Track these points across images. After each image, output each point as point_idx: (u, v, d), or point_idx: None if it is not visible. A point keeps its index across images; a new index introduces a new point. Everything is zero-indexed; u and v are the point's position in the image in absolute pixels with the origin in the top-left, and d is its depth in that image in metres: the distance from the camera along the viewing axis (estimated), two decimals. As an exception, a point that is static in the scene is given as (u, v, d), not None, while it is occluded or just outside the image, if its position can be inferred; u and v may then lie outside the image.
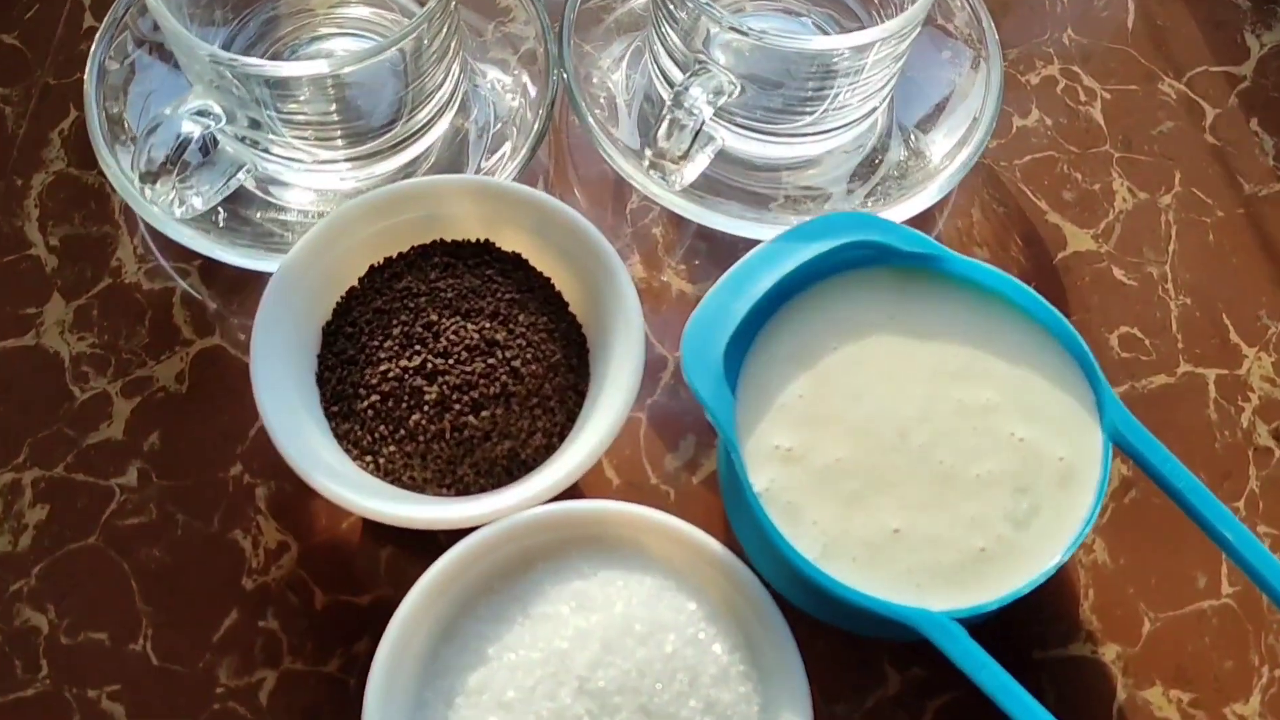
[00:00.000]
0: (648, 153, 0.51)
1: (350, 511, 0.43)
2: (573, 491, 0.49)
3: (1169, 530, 0.51)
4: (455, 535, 0.43)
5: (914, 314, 0.46)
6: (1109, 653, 0.48)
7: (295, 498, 0.48)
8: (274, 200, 0.54)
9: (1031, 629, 0.48)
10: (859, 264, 0.46)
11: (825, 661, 0.47)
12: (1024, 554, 0.42)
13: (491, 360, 0.46)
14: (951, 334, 0.45)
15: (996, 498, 0.43)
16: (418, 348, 0.46)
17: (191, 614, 0.47)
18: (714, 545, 0.43)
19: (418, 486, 0.45)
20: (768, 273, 0.45)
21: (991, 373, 0.45)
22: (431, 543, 0.47)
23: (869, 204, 0.54)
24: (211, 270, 0.53)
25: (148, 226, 0.53)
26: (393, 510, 0.42)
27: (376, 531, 0.48)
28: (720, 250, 0.55)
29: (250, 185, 0.53)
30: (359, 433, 0.46)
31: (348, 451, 0.46)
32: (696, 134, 0.50)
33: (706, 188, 0.54)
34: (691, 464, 0.51)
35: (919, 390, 0.44)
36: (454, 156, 0.55)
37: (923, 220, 0.56)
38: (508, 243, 0.49)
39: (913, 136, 0.57)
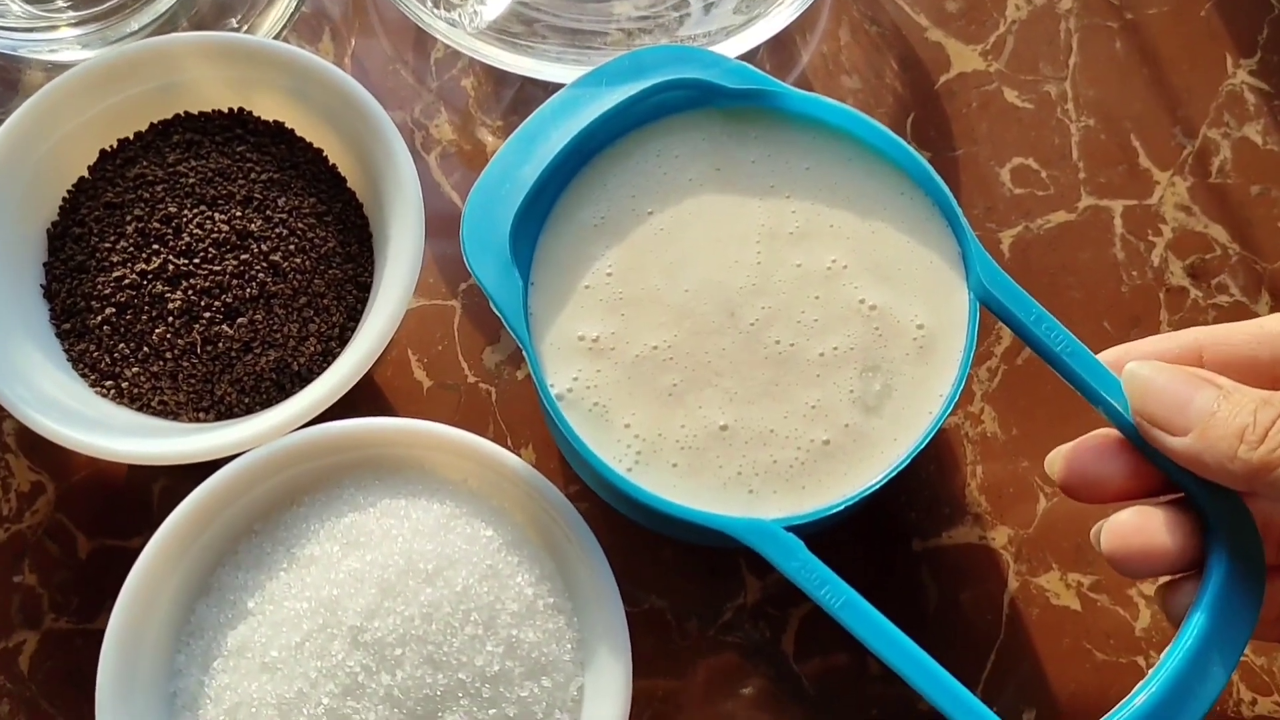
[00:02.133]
0: (432, -11, 0.42)
1: (100, 458, 0.36)
2: (375, 401, 0.42)
3: (1068, 393, 0.44)
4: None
5: (744, 165, 0.38)
6: (999, 537, 0.42)
7: (49, 430, 0.42)
8: (11, 79, 0.45)
9: (908, 516, 0.42)
10: (676, 108, 0.39)
11: (674, 573, 0.41)
12: (875, 443, 0.36)
13: (245, 256, 0.38)
14: (790, 184, 0.38)
15: (842, 380, 0.36)
16: (156, 247, 0.38)
17: (-65, 574, 0.40)
18: (513, 461, 0.36)
19: (170, 412, 0.38)
20: (563, 127, 0.37)
21: (838, 229, 0.38)
22: (212, 470, 0.41)
23: (715, 34, 0.46)
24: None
25: None
26: (126, 448, 0.36)
27: (145, 465, 0.42)
28: (540, 98, 0.47)
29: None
30: (95, 353, 0.39)
31: (84, 376, 0.39)
32: (488, -41, 0.41)
33: (519, 25, 0.45)
34: (515, 356, 0.44)
35: (751, 256, 0.37)
36: (220, 7, 0.47)
37: (783, 49, 0.48)
38: (266, 109, 0.41)
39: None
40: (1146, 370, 0.33)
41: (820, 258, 0.37)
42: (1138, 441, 0.34)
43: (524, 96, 0.48)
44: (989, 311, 0.37)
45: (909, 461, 0.35)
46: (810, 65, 0.49)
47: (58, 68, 0.45)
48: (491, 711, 0.33)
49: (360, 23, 0.49)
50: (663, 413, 0.36)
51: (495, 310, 0.36)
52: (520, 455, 0.43)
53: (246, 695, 0.33)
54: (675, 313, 0.37)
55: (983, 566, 0.42)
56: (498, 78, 0.48)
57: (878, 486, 0.35)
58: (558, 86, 0.45)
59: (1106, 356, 0.35)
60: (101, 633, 0.40)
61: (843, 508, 0.35)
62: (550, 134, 0.37)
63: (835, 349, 0.36)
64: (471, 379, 0.44)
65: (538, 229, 0.38)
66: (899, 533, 0.42)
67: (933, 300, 0.37)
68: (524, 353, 0.36)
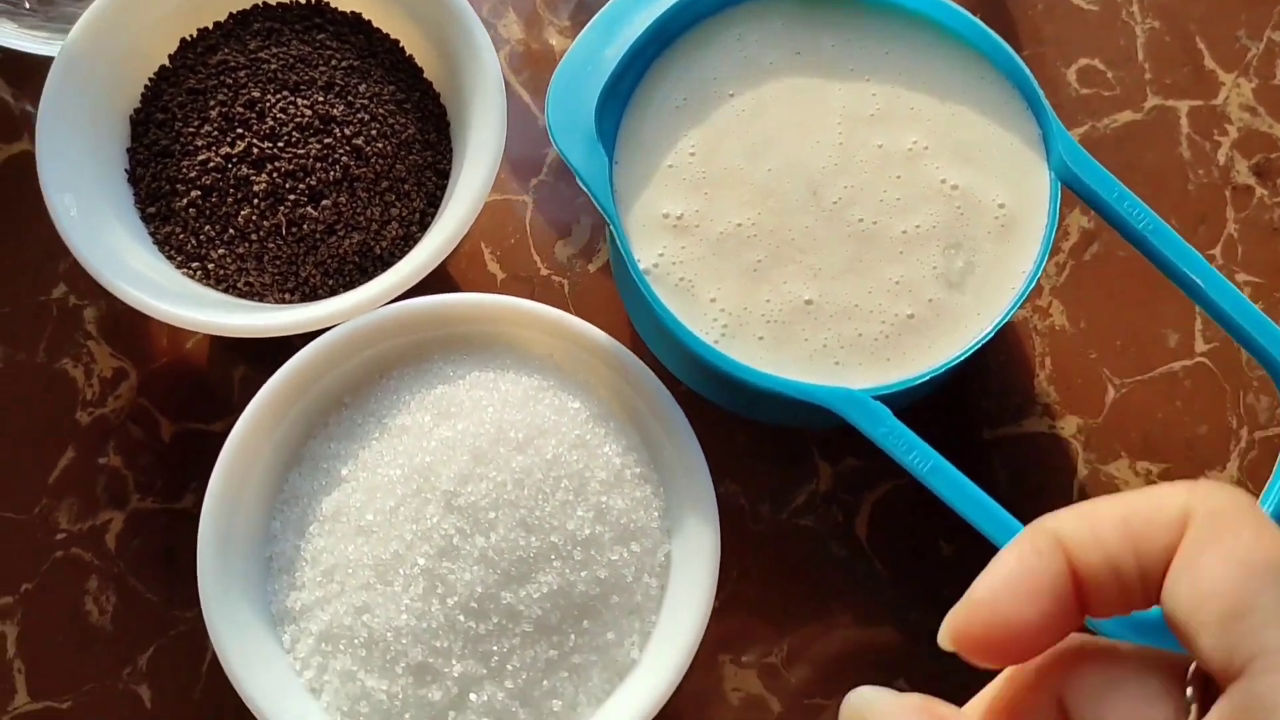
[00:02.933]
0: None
1: (189, 329, 0.36)
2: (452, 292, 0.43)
3: (1136, 286, 0.44)
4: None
5: (824, 47, 0.38)
6: (1068, 426, 0.43)
7: (130, 318, 0.42)
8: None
9: (980, 405, 0.43)
10: (757, -8, 0.39)
11: (747, 457, 0.42)
12: (958, 318, 0.36)
13: (328, 140, 0.39)
14: (869, 68, 0.38)
15: (926, 257, 0.36)
16: (240, 131, 0.39)
17: (22, 455, 0.41)
18: (599, 336, 0.37)
19: (255, 293, 0.39)
20: (645, 9, 0.38)
21: (918, 111, 0.38)
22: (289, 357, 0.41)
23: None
24: (14, 62, 0.45)
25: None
26: (217, 320, 0.36)
27: (226, 349, 0.42)
28: (612, 1, 0.47)
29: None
30: (181, 236, 0.39)
31: (170, 258, 0.39)
32: None
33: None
34: (587, 249, 0.44)
35: (832, 138, 0.37)
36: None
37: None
38: (343, 1, 0.41)
39: None
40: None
41: (901, 139, 0.38)
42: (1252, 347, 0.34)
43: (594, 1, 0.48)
44: (1070, 191, 0.37)
45: (993, 335, 0.36)
46: (875, -33, 0.48)
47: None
48: (583, 574, 0.34)
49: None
50: (748, 288, 0.36)
51: (581, 186, 0.36)
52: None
53: (343, 557, 0.34)
54: (758, 191, 0.37)
55: (1052, 455, 0.43)
56: (564, -21, 0.48)
57: (963, 358, 0.35)
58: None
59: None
60: (186, 512, 0.40)
61: (928, 379, 0.35)
62: (632, 17, 0.38)
63: (918, 227, 0.37)
64: (544, 272, 0.44)
65: (621, 110, 0.38)
66: (970, 421, 0.42)
67: (1013, 180, 0.37)
68: (610, 229, 0.36)
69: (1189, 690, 0.20)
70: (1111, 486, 0.42)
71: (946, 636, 0.21)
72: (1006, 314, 0.36)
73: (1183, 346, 0.44)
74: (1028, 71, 0.38)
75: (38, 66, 0.44)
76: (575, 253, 0.44)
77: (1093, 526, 0.21)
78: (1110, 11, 0.48)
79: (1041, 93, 0.37)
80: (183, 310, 0.36)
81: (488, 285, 0.44)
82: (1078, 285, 0.45)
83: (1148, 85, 0.47)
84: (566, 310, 0.43)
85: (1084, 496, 0.42)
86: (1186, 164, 0.46)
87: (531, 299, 0.44)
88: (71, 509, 0.40)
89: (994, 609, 0.21)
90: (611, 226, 0.36)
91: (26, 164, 0.44)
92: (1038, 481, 0.42)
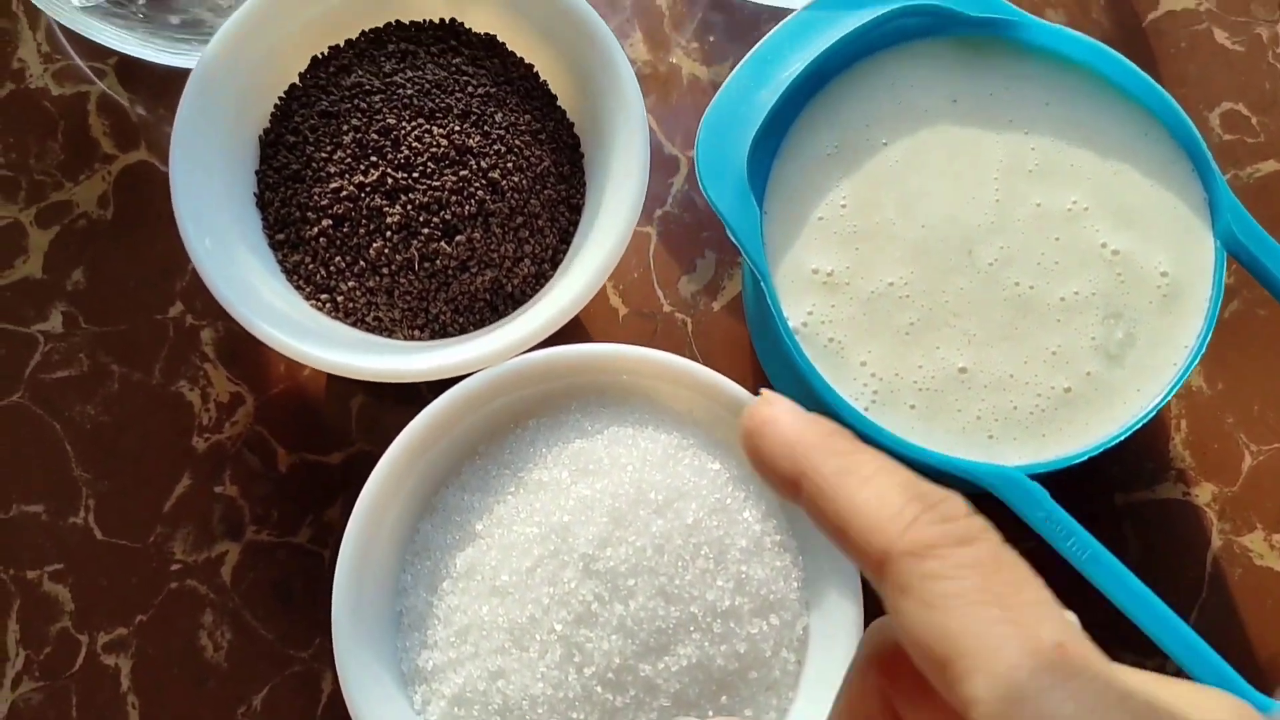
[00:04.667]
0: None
1: (327, 371, 0.36)
2: (572, 327, 0.41)
3: (1276, 348, 0.43)
4: (438, 380, 0.35)
5: (982, 95, 0.37)
6: (1203, 494, 0.41)
7: (248, 341, 0.41)
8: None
9: (1111, 470, 0.41)
10: (913, 35, 0.37)
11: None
12: (1116, 394, 0.35)
13: (464, 172, 0.37)
14: (1029, 120, 0.37)
15: (1084, 326, 0.35)
16: (374, 159, 0.38)
17: (137, 480, 0.40)
18: (739, 393, 0.35)
19: (385, 328, 0.38)
20: (799, 51, 0.36)
21: (1078, 169, 0.36)
22: (411, 389, 0.40)
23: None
24: (132, 67, 0.44)
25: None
26: (355, 363, 0.35)
27: (343, 378, 0.41)
28: (740, 23, 0.46)
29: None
30: (311, 265, 0.38)
31: (299, 289, 0.38)
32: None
33: (723, -54, 0.44)
34: (711, 286, 0.43)
35: (989, 193, 0.36)
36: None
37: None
38: (478, 22, 0.40)
39: None
40: None
41: (1060, 198, 0.36)
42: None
43: (709, 18, 0.46)
44: (1235, 261, 0.36)
45: (1153, 415, 0.34)
46: (1015, -3, 0.47)
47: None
48: (722, 647, 0.33)
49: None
50: (900, 351, 0.35)
51: (732, 239, 0.35)
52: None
53: (477, 617, 0.33)
54: (911, 249, 0.36)
55: (1185, 523, 0.41)
56: (692, -3, 0.46)
57: (1122, 438, 0.34)
58: (755, 6, 0.44)
59: None
60: (301, 547, 0.40)
61: (1085, 458, 0.34)
62: (786, 57, 0.36)
63: (1076, 293, 0.35)
64: (667, 308, 0.43)
65: (771, 156, 0.36)
66: (1102, 486, 0.41)
67: (1177, 247, 0.36)
68: (761, 284, 0.35)
69: None
70: (1245, 559, 0.41)
71: None
72: (1168, 392, 0.34)
73: (1325, 412, 0.42)
74: (1196, 132, 0.36)
75: (151, 70, 0.43)
76: (699, 289, 0.43)
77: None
78: (1256, 51, 0.46)
79: (1210, 155, 0.36)
80: (324, 352, 0.35)
81: (609, 320, 0.43)
82: (1216, 345, 0.43)
83: (1295, 133, 0.45)
84: (689, 350, 0.42)
85: (1217, 569, 0.41)
86: (1333, 218, 0.44)
87: (654, 336, 0.43)
88: (187, 539, 0.40)
89: None
90: (762, 282, 0.35)
91: (145, 174, 0.43)
92: (1170, 551, 0.41)
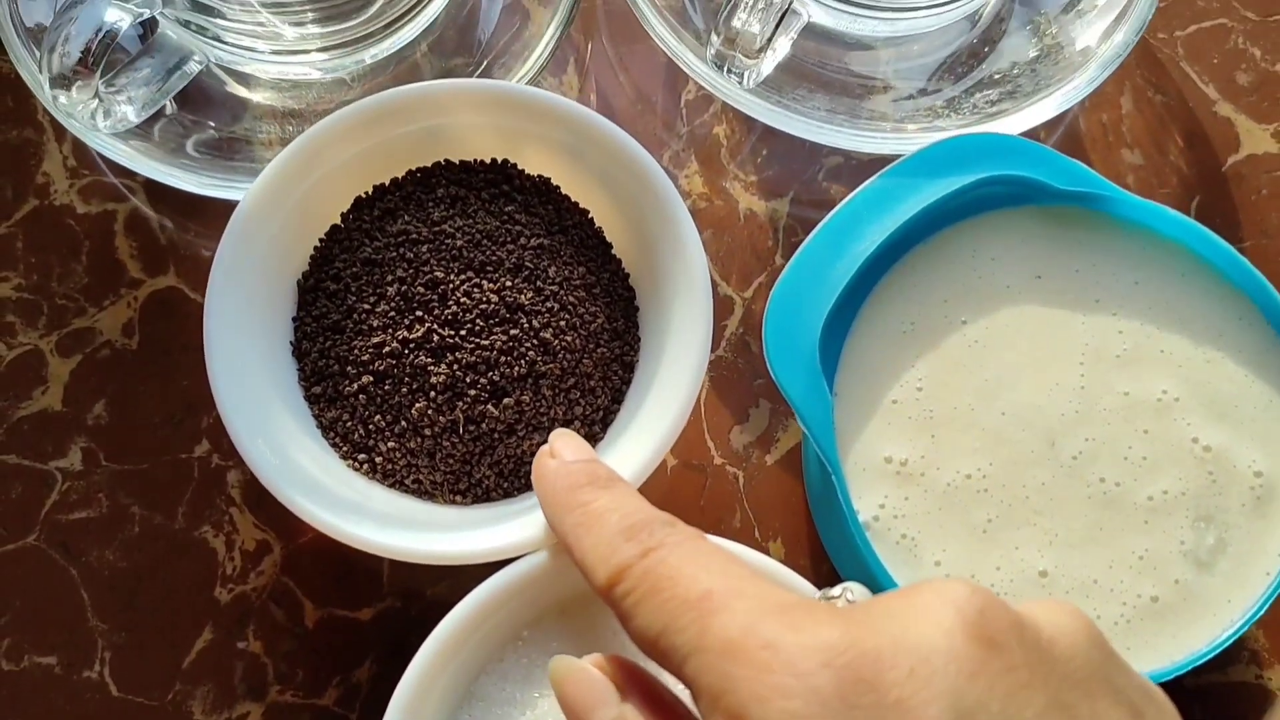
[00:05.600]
0: (715, 40, 0.38)
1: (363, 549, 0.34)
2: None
3: (1357, 522, 0.41)
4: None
5: (1067, 274, 0.35)
6: (1277, 677, 0.39)
7: (276, 486, 0.39)
8: (239, 98, 0.42)
9: (1183, 650, 0.39)
10: (995, 204, 0.35)
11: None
12: (1207, 604, 0.33)
13: (515, 331, 0.35)
14: (1117, 300, 0.35)
15: (1173, 529, 0.33)
16: (420, 314, 0.36)
17: (156, 633, 0.38)
18: (797, 582, 0.33)
19: (425, 492, 0.36)
20: (876, 222, 0.34)
21: (1169, 355, 0.34)
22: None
23: (999, 99, 0.42)
24: (163, 186, 0.42)
25: (80, 130, 0.42)
26: (392, 543, 0.33)
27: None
28: (799, 153, 0.44)
29: (213, 79, 0.42)
30: (349, 423, 0.36)
31: (335, 447, 0.36)
32: (783, 14, 0.38)
33: (787, 75, 0.42)
34: (765, 438, 0.41)
35: (1073, 380, 0.34)
36: (461, 35, 0.43)
37: (1060, 115, 0.44)
38: (532, 163, 0.38)
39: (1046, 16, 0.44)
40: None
41: (1150, 387, 0.34)
42: None
43: (760, 145, 0.44)
44: (1332, 461, 0.34)
45: (1247, 628, 0.32)
46: (1088, 134, 0.45)
47: (292, 86, 0.42)
48: None
49: (597, 53, 0.45)
50: (976, 551, 0.33)
51: (802, 426, 0.33)
52: (768, 549, 0.40)
53: (519, 826, 0.31)
54: (990, 438, 0.34)
55: (1259, 707, 0.39)
56: (748, 126, 0.44)
57: (1211, 655, 0.32)
58: (814, 143, 0.42)
59: None
60: (327, 710, 0.38)
61: (1172, 676, 0.32)
62: (863, 228, 0.34)
63: (1165, 493, 0.33)
64: (718, 461, 0.41)
65: (843, 333, 0.34)
66: (1173, 667, 0.39)
67: (1273, 444, 0.34)
68: (832, 477, 0.33)
69: None
70: (1323, 750, 0.39)
71: None
72: (1263, 604, 0.32)
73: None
74: (1293, 319, 0.34)
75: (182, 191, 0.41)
76: (752, 441, 0.41)
77: None
78: (1340, 201, 0.44)
79: (1309, 347, 0.34)
80: (359, 529, 0.33)
81: (658, 472, 0.40)
82: (1294, 516, 0.41)
83: (1378, 289, 0.43)
84: (740, 506, 0.40)
85: (1293, 761, 0.39)
86: None
87: (703, 491, 0.41)
88: (207, 697, 0.38)
89: None
90: (833, 473, 0.33)
91: (173, 300, 0.41)
92: (1242, 739, 0.39)
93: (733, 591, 0.22)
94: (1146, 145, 0.45)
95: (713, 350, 0.42)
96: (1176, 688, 0.39)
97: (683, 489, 0.40)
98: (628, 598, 0.24)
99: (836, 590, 0.26)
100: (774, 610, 0.22)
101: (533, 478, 0.29)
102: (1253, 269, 0.34)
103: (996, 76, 0.43)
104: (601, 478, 0.27)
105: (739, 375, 0.41)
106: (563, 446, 0.30)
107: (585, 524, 0.26)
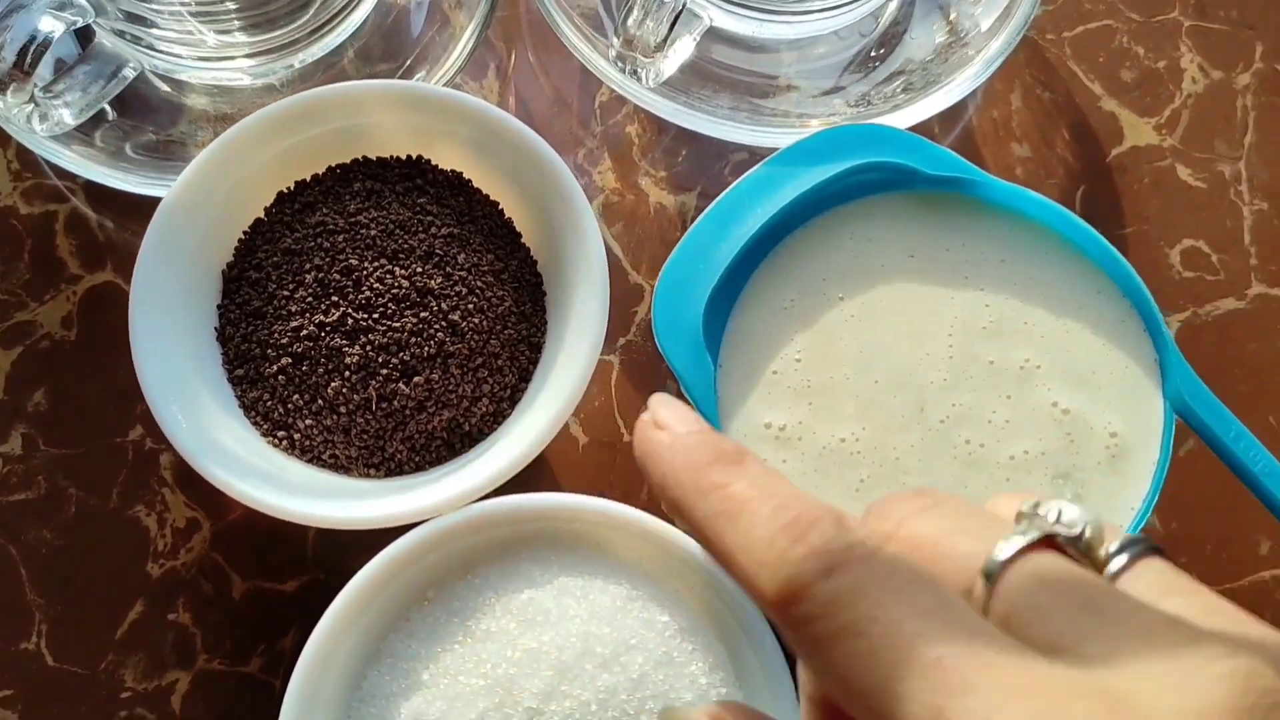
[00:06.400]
0: (615, 41, 0.41)
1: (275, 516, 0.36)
2: (533, 461, 0.42)
3: (1227, 491, 0.43)
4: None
5: (939, 253, 0.37)
6: (1155, 636, 0.42)
7: (206, 467, 0.41)
8: (175, 103, 0.45)
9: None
10: (871, 190, 0.38)
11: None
12: (1065, 556, 0.35)
13: (425, 314, 0.38)
14: (985, 277, 0.37)
15: (1033, 485, 0.35)
16: (335, 299, 0.38)
17: (90, 606, 0.40)
18: (691, 546, 0.36)
19: (341, 466, 0.38)
20: (759, 206, 0.37)
21: (1032, 326, 0.37)
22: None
23: (893, 94, 0.45)
24: (103, 188, 0.44)
25: (23, 135, 0.44)
26: (305, 510, 0.35)
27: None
28: (707, 151, 0.46)
29: (150, 85, 0.44)
30: (269, 403, 0.38)
31: (257, 425, 0.38)
32: (678, 16, 0.40)
33: (691, 76, 0.45)
34: (672, 417, 0.43)
35: (942, 350, 0.36)
36: (387, 41, 0.46)
37: (951, 112, 0.47)
38: (445, 159, 0.41)
39: (947, 7, 0.47)
40: None
41: (1013, 356, 0.36)
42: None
43: (675, 145, 0.47)
44: (1184, 422, 0.36)
45: (1100, 577, 0.34)
46: (979, 129, 0.47)
47: (223, 92, 0.45)
48: (666, 805, 0.33)
49: (519, 58, 0.48)
50: (849, 508, 0.35)
51: (685, 395, 0.35)
52: (674, 521, 0.42)
53: (421, 771, 0.33)
54: (864, 405, 0.36)
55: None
56: (660, 125, 0.47)
57: (1067, 602, 0.34)
58: (721, 140, 0.44)
59: None
60: (253, 677, 0.40)
61: (1031, 621, 0.34)
62: (746, 212, 0.37)
63: (1026, 453, 0.36)
64: (627, 438, 0.43)
65: (728, 310, 0.37)
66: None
67: (1127, 407, 0.36)
68: (713, 440, 0.35)
69: None
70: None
71: None
72: (1115, 555, 0.35)
73: (1275, 554, 0.43)
74: (1148, 293, 0.36)
75: (120, 190, 0.43)
76: (660, 419, 0.43)
77: None
78: (1218, 190, 0.47)
79: (1161, 317, 0.36)
80: (275, 498, 0.35)
81: (570, 449, 0.43)
82: (1169, 484, 0.43)
83: (1253, 272, 0.46)
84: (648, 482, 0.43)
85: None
86: (1290, 359, 0.45)
87: (614, 466, 0.43)
88: (138, 666, 0.40)
89: None
90: (714, 438, 0.35)
91: (110, 295, 0.43)
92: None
93: (965, 659, 0.17)
94: (1035, 139, 0.47)
95: (623, 334, 0.44)
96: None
97: (594, 465, 0.43)
98: (811, 626, 0.19)
99: (1046, 509, 0.20)
100: (1024, 692, 0.17)
101: (638, 455, 0.24)
102: (1109, 245, 0.37)
103: (898, 72, 0.45)
104: (729, 452, 0.22)
105: (648, 358, 0.44)
106: (669, 415, 0.24)
107: (727, 513, 0.21)
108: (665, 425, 0.23)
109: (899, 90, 0.45)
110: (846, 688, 0.18)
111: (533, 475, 0.42)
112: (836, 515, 0.20)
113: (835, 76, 0.46)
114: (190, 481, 0.42)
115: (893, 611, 0.18)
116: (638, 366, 0.44)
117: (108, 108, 0.43)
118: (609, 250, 0.45)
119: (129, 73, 0.42)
